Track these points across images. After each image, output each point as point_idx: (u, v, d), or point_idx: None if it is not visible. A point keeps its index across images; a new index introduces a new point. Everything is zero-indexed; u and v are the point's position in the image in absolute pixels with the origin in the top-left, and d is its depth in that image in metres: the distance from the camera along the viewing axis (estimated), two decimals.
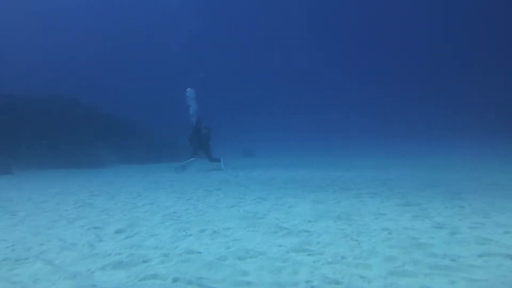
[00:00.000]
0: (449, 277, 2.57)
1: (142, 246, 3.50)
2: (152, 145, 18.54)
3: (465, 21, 43.03)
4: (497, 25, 39.80)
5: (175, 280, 2.64)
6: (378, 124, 34.45)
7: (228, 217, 4.77)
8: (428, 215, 4.53)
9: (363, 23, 49.20)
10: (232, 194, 6.72)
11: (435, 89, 41.39)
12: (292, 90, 49.98)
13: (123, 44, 44.73)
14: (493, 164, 11.76)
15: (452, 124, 28.42)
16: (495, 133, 21.10)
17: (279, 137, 32.02)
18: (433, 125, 30.66)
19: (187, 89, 12.44)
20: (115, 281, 2.65)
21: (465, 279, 2.52)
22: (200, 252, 3.32)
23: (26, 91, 17.78)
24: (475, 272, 2.66)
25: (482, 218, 4.31)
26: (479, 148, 18.14)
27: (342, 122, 37.07)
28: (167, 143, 19.42)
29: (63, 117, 16.81)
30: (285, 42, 52.00)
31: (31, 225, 4.30)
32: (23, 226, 4.24)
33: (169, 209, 5.37)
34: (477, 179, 7.95)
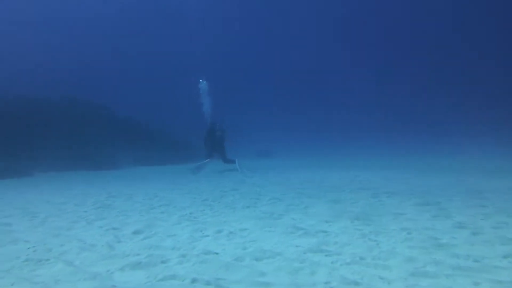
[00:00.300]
0: (472, 279, 2.49)
1: (160, 247, 3.53)
2: (168, 146, 18.75)
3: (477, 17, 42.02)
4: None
5: (193, 281, 2.64)
6: (392, 123, 33.89)
7: (244, 217, 4.77)
8: (448, 215, 4.42)
9: (377, 20, 48.49)
10: (248, 194, 6.71)
11: (447, 85, 40.47)
12: (306, 89, 49.70)
13: (133, 45, 45.38)
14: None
15: (465, 121, 27.71)
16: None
17: (295, 138, 31.84)
18: (448, 122, 29.95)
19: (200, 80, 11.79)
20: (134, 282, 2.68)
21: (489, 281, 2.45)
22: (217, 253, 3.32)
23: (45, 94, 18.18)
24: (500, 273, 2.58)
25: (506, 218, 4.18)
26: (494, 147, 17.61)
27: (355, 121, 36.61)
28: (183, 144, 19.61)
29: (82, 119, 17.18)
30: (299, 41, 51.72)
31: (52, 226, 4.39)
32: (43, 228, 4.33)
33: (186, 210, 5.40)
34: (499, 178, 7.74)
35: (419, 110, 36.91)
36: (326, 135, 31.55)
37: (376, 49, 49.13)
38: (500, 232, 3.61)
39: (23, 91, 17.42)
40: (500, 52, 38.06)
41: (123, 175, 11.72)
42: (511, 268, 2.66)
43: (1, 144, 12.62)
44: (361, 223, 4.21)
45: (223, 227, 4.29)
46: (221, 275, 2.76)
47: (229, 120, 12.60)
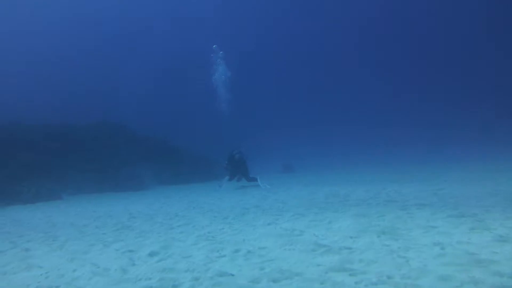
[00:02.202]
0: None
1: (174, 270, 3.37)
2: (193, 165, 18.83)
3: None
4: None
5: None
6: (416, 132, 32.75)
7: (264, 235, 4.56)
8: (487, 227, 4.03)
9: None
10: (270, 211, 6.50)
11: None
12: (329, 102, 49.20)
13: (154, 64, 46.80)
14: None
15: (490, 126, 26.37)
16: None
17: (321, 152, 31.33)
18: (471, 126, 28.63)
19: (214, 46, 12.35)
20: None
21: None
22: (232, 275, 3.13)
23: (72, 119, 18.90)
24: None
25: None
26: None
27: (378, 133, 35.64)
28: (207, 162, 19.66)
29: (108, 141, 17.62)
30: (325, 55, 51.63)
31: (69, 250, 4.34)
32: (61, 252, 4.29)
33: (205, 229, 5.25)
34: None
35: (441, 116, 35.64)
36: (352, 149, 30.85)
37: (398, 64, 48.33)
38: None
39: (50, 117, 18.18)
40: None
41: (147, 195, 11.79)
42: None
43: (32, 169, 13.06)
44: (389, 238, 3.90)
45: (241, 246, 4.09)
46: None
47: (245, 144, 13.15)
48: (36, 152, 14.41)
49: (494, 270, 2.69)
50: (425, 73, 46.59)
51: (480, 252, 3.15)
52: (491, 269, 2.73)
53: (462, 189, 7.34)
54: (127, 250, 4.23)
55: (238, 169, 12.08)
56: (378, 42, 50.04)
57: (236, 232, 4.90)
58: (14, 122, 16.28)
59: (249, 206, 7.26)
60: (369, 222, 4.73)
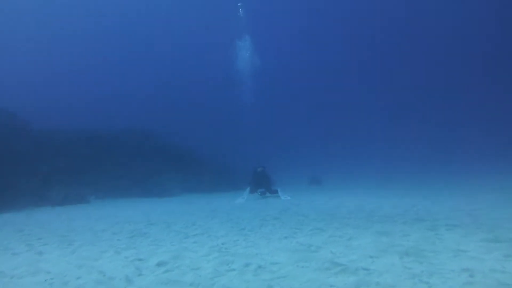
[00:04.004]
0: None
1: (178, 282, 3.23)
2: (218, 173, 18.85)
3: None
4: None
5: None
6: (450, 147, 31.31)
7: (278, 249, 4.34)
8: None
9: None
10: (289, 224, 6.26)
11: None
12: (366, 114, 48.21)
13: (181, 74, 47.91)
14: None
15: None
16: None
17: (352, 165, 30.58)
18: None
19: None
20: None
21: None
22: None
23: (102, 125, 19.54)
24: None
25: None
26: None
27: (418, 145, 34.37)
28: (232, 171, 19.62)
29: (137, 149, 18.02)
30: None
31: (80, 256, 4.32)
32: (71, 257, 4.28)
33: (219, 239, 5.10)
34: None
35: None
36: (386, 162, 29.86)
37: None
38: None
39: (82, 123, 18.89)
40: None
41: (171, 202, 11.84)
42: None
43: (64, 173, 13.52)
44: (412, 260, 3.57)
45: (253, 260, 3.91)
46: None
47: (267, 159, 13.45)
48: (68, 157, 14.93)
49: None
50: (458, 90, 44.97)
51: None
52: None
53: (502, 210, 6.76)
54: (136, 258, 4.15)
55: (261, 183, 12.30)
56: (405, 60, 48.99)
57: (251, 244, 4.71)
58: (49, 127, 17.00)
59: (268, 218, 7.05)
60: (392, 242, 4.39)
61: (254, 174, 12.60)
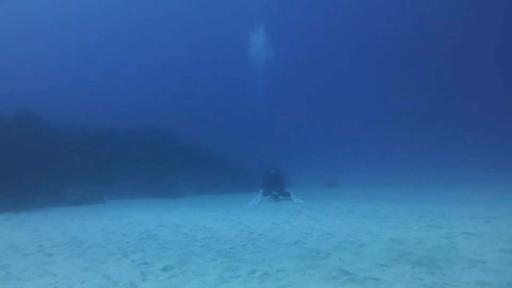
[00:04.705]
0: None
1: None
2: (232, 175, 18.84)
3: None
4: None
5: None
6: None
7: (286, 255, 4.24)
8: None
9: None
10: (299, 228, 6.14)
11: None
12: (383, 119, 47.57)
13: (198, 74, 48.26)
14: None
15: None
16: None
17: (369, 167, 30.13)
18: None
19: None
20: None
21: None
22: None
23: (117, 125, 19.84)
24: None
25: None
26: None
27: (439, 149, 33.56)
28: (247, 172, 19.59)
29: (154, 149, 18.20)
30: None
31: (87, 259, 4.33)
32: (79, 260, 4.29)
33: (227, 243, 5.03)
34: None
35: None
36: (405, 166, 29.28)
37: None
38: None
39: (99, 122, 19.21)
40: None
41: (184, 203, 11.86)
42: None
43: (79, 172, 13.75)
44: (424, 270, 3.42)
45: (259, 266, 3.82)
46: None
47: (281, 161, 13.36)
48: (85, 156, 15.19)
49: None
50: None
51: None
52: None
53: None
54: (143, 262, 4.13)
55: (274, 185, 12.15)
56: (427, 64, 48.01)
57: (258, 250, 4.62)
58: (66, 126, 17.35)
59: (279, 222, 6.94)
60: (405, 250, 4.23)
61: (267, 177, 12.49)
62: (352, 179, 23.84)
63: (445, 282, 3.05)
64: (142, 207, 10.85)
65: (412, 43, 47.90)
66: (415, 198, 11.15)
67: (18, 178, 10.92)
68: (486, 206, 8.23)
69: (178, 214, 8.73)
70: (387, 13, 46.94)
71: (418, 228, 5.61)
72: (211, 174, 18.05)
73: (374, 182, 21.42)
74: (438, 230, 5.39)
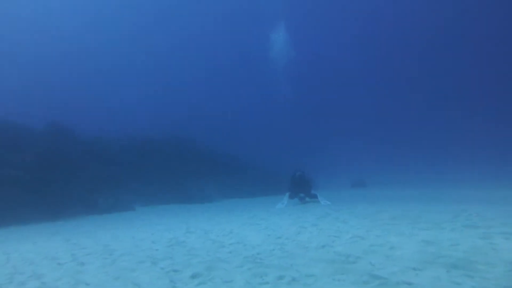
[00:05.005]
0: None
1: None
2: (258, 178, 18.87)
3: None
4: None
5: None
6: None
7: (315, 260, 4.17)
8: None
9: None
10: (327, 231, 6.03)
11: None
12: (414, 117, 46.38)
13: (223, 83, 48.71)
14: None
15: None
16: None
17: (398, 166, 29.34)
18: None
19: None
20: None
21: None
22: None
23: (146, 133, 20.31)
24: None
25: None
26: None
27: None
28: (273, 175, 19.55)
29: (180, 156, 18.51)
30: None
31: (119, 267, 4.42)
32: (110, 268, 4.38)
33: (255, 249, 5.01)
34: None
35: None
36: (435, 164, 28.33)
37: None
38: None
39: (126, 131, 19.76)
40: None
41: (210, 208, 11.96)
42: None
43: (109, 181, 14.16)
44: (461, 274, 3.25)
45: (287, 272, 3.77)
46: None
47: (305, 163, 13.20)
48: (115, 165, 15.64)
49: None
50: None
51: None
52: None
53: None
54: (172, 269, 4.17)
55: (300, 187, 12.03)
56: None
57: (286, 255, 4.57)
58: (96, 137, 17.94)
59: (306, 225, 6.85)
60: (439, 252, 4.05)
61: (293, 179, 12.39)
62: (380, 179, 23.29)
63: (485, 287, 2.89)
64: (170, 213, 11.03)
65: (439, 42, 46.55)
66: (446, 197, 10.74)
67: (53, 189, 11.37)
68: None
69: (205, 219, 8.80)
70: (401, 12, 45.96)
71: (452, 228, 5.37)
72: (236, 178, 18.16)
73: (402, 182, 20.84)
74: (474, 230, 5.14)
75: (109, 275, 4.06)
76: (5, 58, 41.08)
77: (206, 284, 3.56)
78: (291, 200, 11.97)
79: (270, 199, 14.64)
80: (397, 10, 46.93)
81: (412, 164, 29.56)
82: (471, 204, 8.27)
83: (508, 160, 24.26)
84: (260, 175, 19.44)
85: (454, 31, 44.89)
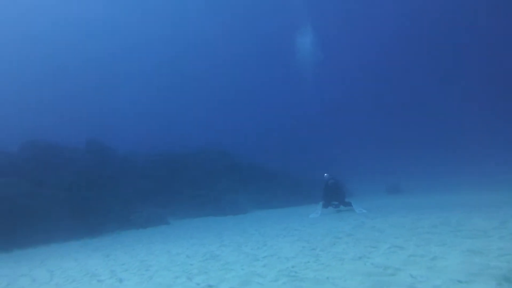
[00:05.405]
0: None
1: None
2: (290, 187, 18.71)
3: None
4: None
5: None
6: None
7: (351, 273, 4.03)
8: None
9: None
10: (363, 241, 5.83)
11: None
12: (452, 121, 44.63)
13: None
14: None
15: None
16: None
17: (436, 170, 28.13)
18: None
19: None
20: None
21: None
22: None
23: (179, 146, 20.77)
24: None
25: None
26: None
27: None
28: (305, 184, 19.34)
29: (211, 168, 18.74)
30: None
31: (155, 283, 4.48)
32: (148, 284, 4.46)
33: (289, 261, 4.92)
34: None
35: None
36: (477, 167, 26.92)
37: None
38: None
39: (159, 145, 20.29)
40: None
41: (243, 220, 11.95)
42: None
43: (144, 195, 14.54)
44: None
45: (323, 285, 3.67)
46: None
47: (337, 171, 12.87)
48: (149, 179, 16.06)
49: None
50: None
51: None
52: None
53: None
54: (207, 285, 4.17)
55: (334, 196, 11.77)
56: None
57: (322, 267, 4.45)
58: (130, 152, 18.54)
59: (341, 235, 6.67)
60: (487, 263, 3.79)
61: (326, 187, 12.14)
62: (416, 183, 22.41)
63: None
64: (204, 226, 11.12)
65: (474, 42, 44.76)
66: (489, 201, 10.14)
67: (91, 205, 11.80)
68: None
69: (239, 232, 8.79)
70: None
71: (501, 236, 5.03)
72: (268, 189, 18.10)
73: (439, 186, 19.94)
74: None
75: None
76: (47, 83, 43.85)
77: None
78: (324, 209, 11.74)
79: (303, 208, 14.45)
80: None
81: (450, 167, 28.25)
82: None
83: None
84: (292, 184, 19.27)
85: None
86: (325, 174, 12.42)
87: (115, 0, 47.14)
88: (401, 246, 5.11)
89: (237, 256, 5.72)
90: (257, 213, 14.72)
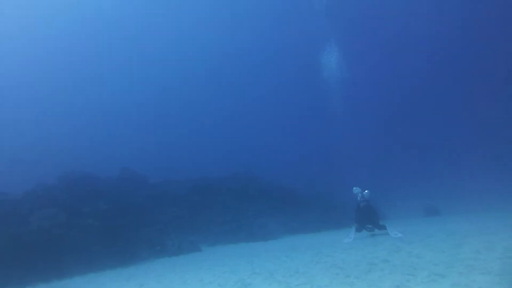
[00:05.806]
0: None
1: None
2: (322, 212, 18.32)
3: None
4: None
5: None
6: None
7: None
8: None
9: None
10: (400, 268, 5.59)
11: None
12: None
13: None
14: None
15: None
16: None
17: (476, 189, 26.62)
18: None
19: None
20: None
21: None
22: None
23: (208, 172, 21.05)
24: None
25: None
26: None
27: None
28: (335, 210, 18.87)
29: (241, 193, 18.78)
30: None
31: None
32: None
33: None
34: None
35: None
36: None
37: None
38: None
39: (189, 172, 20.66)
40: None
41: (274, 246, 11.76)
42: None
43: (175, 223, 14.70)
44: None
45: None
46: None
47: (372, 190, 12.08)
48: (179, 207, 16.27)
49: None
50: None
51: None
52: None
53: None
54: None
55: (367, 218, 11.32)
56: None
57: None
58: (162, 179, 18.97)
59: (377, 261, 6.42)
60: None
61: (358, 210, 11.73)
62: (456, 204, 21.31)
63: None
64: (235, 253, 11.03)
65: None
66: None
67: (123, 234, 12.05)
68: None
69: (270, 258, 8.65)
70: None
71: None
72: (299, 213, 17.80)
73: (482, 209, 18.85)
74: None
75: None
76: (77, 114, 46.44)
77: None
78: (358, 233, 11.34)
79: (335, 233, 14.06)
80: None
81: (494, 188, 26.69)
82: None
83: None
84: (324, 208, 18.86)
85: None
86: (354, 188, 11.94)
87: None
88: (441, 274, 4.85)
89: (269, 284, 5.63)
90: (288, 239, 14.45)
